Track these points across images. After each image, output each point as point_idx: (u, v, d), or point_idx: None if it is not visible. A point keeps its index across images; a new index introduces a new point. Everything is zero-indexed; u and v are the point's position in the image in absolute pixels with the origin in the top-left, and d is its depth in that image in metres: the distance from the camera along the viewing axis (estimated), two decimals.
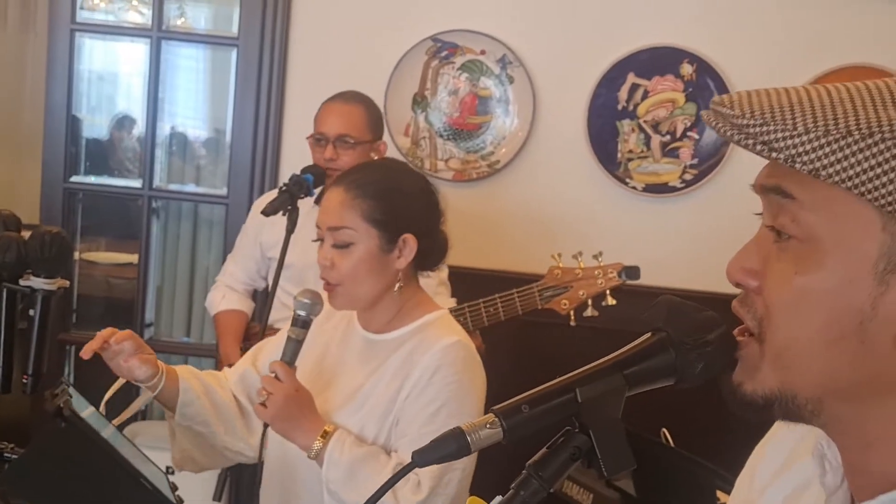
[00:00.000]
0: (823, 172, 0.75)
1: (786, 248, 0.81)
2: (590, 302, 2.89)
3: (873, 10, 3.51)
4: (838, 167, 0.75)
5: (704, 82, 3.56)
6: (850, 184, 0.75)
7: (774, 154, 0.76)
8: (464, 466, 1.84)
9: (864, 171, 0.74)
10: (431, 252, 1.96)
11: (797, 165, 0.76)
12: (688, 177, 3.58)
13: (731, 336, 0.86)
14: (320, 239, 1.92)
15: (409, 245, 1.90)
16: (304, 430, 1.85)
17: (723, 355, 0.86)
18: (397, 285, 1.91)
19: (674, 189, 3.60)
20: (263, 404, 1.84)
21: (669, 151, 3.59)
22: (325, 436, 1.83)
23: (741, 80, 3.55)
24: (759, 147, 0.77)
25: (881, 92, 0.78)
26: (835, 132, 0.75)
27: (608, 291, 2.89)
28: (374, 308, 1.94)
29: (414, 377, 1.85)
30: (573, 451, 0.83)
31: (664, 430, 2.45)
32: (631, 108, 3.59)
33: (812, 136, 0.75)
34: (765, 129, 0.77)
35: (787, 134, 0.76)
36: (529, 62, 3.59)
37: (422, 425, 1.82)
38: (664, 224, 3.62)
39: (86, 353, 1.86)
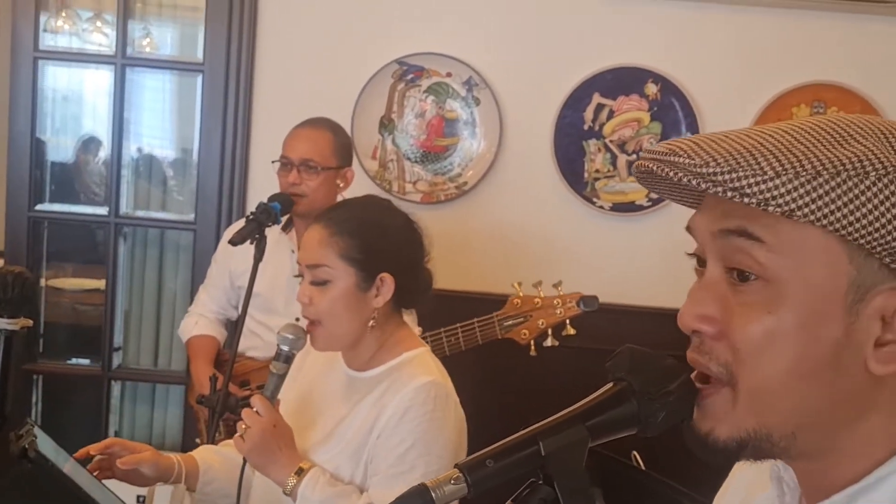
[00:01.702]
0: (799, 213, 0.77)
1: (747, 290, 0.82)
2: (549, 331, 2.91)
3: (830, 28, 3.56)
4: (813, 206, 0.77)
5: (669, 101, 3.59)
6: (823, 221, 0.77)
7: (746, 199, 0.77)
8: None
9: (838, 209, 0.77)
10: (412, 289, 1.95)
11: (770, 208, 0.77)
12: (654, 195, 3.61)
13: (692, 383, 0.86)
14: (300, 275, 1.92)
15: (387, 284, 1.90)
16: (279, 465, 1.85)
17: (685, 404, 0.86)
18: (370, 322, 1.91)
19: (641, 207, 3.62)
20: (242, 437, 1.84)
21: None
22: (300, 473, 1.84)
23: (705, 99, 3.59)
24: (729, 193, 0.78)
25: (820, 131, 0.81)
26: (804, 174, 0.77)
27: (567, 321, 2.91)
28: (355, 347, 1.95)
29: (385, 417, 1.85)
30: (538, 503, 0.83)
31: (634, 452, 2.46)
32: (597, 127, 3.61)
33: (784, 178, 0.77)
34: (734, 175, 0.77)
35: (759, 179, 0.77)
36: (495, 84, 3.60)
37: (391, 465, 1.82)
38: (632, 242, 3.64)
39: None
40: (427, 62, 3.60)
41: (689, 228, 0.88)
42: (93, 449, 1.85)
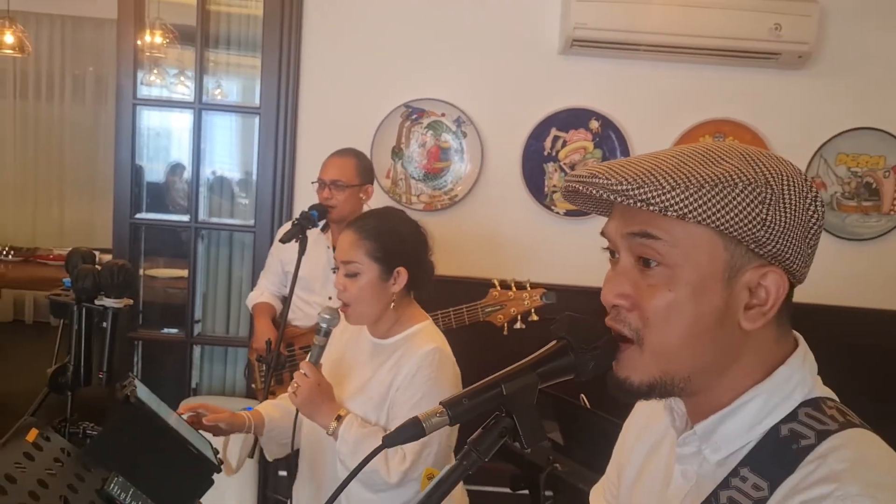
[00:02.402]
0: (690, 216, 0.78)
1: (652, 274, 0.82)
2: (519, 317, 2.92)
3: (729, 77, 3.57)
4: (699, 210, 0.78)
5: (608, 133, 3.59)
6: (707, 221, 0.78)
7: (651, 207, 0.78)
8: (439, 441, 1.84)
9: (717, 211, 0.78)
10: (421, 278, 1.96)
11: (669, 213, 0.78)
12: None
13: (614, 341, 0.87)
14: (337, 268, 1.93)
15: (402, 275, 1.90)
16: (323, 413, 1.86)
17: (609, 356, 0.86)
18: (391, 304, 1.92)
19: (586, 214, 3.58)
20: (295, 393, 1.85)
21: None
22: (339, 419, 1.85)
23: (635, 131, 3.59)
24: (638, 203, 0.78)
25: (699, 155, 0.81)
26: (691, 187, 0.78)
27: (533, 310, 2.93)
28: (378, 321, 1.95)
29: (402, 375, 1.86)
30: (501, 430, 0.83)
31: (582, 395, 2.47)
32: (554, 153, 3.61)
33: (678, 191, 0.78)
34: (641, 190, 0.78)
35: (659, 192, 0.78)
36: (478, 121, 3.60)
37: (408, 411, 1.82)
38: (580, 239, 3.64)
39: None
40: (427, 105, 3.60)
41: (603, 233, 0.89)
42: (183, 409, 1.85)
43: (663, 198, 0.78)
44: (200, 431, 1.81)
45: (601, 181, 0.81)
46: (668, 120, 3.58)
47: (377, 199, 3.15)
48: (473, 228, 3.66)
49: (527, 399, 0.84)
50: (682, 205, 0.78)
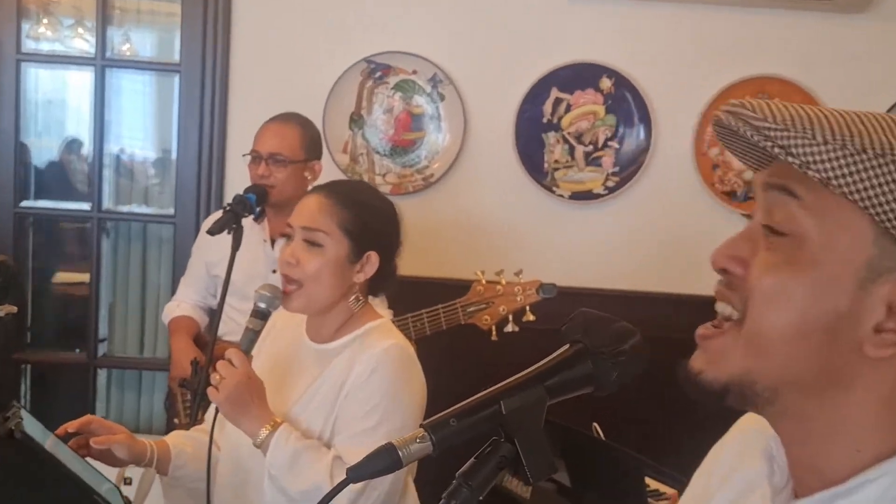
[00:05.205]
0: (835, 182, 0.77)
1: (776, 244, 0.82)
2: (510, 318, 2.90)
3: (773, 24, 3.58)
4: (850, 179, 0.77)
5: (622, 95, 3.60)
6: (857, 196, 0.77)
7: (791, 158, 0.78)
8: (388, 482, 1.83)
9: (872, 187, 0.77)
10: (386, 277, 1.96)
11: (810, 172, 0.78)
12: (610, 184, 3.61)
13: (644, 345, 0.86)
14: (286, 236, 1.92)
15: (372, 262, 1.91)
16: (251, 416, 1.83)
17: (637, 363, 0.86)
18: (354, 297, 1.92)
19: (598, 196, 3.63)
20: (216, 387, 1.80)
21: (592, 160, 3.62)
22: (274, 426, 1.82)
23: (656, 93, 3.60)
24: (776, 150, 0.79)
25: (885, 120, 0.81)
26: (850, 147, 0.77)
27: (528, 307, 2.90)
28: (324, 316, 1.94)
29: (353, 377, 1.86)
30: (500, 459, 0.83)
31: (595, 424, 2.47)
32: (555, 120, 3.61)
33: (829, 147, 0.77)
34: (784, 133, 0.79)
35: (806, 142, 0.78)
36: (459, 80, 3.59)
37: (357, 421, 1.82)
38: (590, 228, 3.64)
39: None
40: (394, 60, 3.59)
41: (749, 184, 0.90)
42: (70, 426, 1.80)
43: (808, 150, 0.78)
44: (88, 459, 1.78)
45: (746, 113, 0.81)
46: (699, 77, 3.59)
47: (329, 180, 3.11)
48: (453, 216, 3.65)
49: (532, 419, 0.84)
50: (829, 165, 0.77)
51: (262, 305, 1.89)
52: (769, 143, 0.79)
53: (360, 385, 1.84)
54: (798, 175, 0.80)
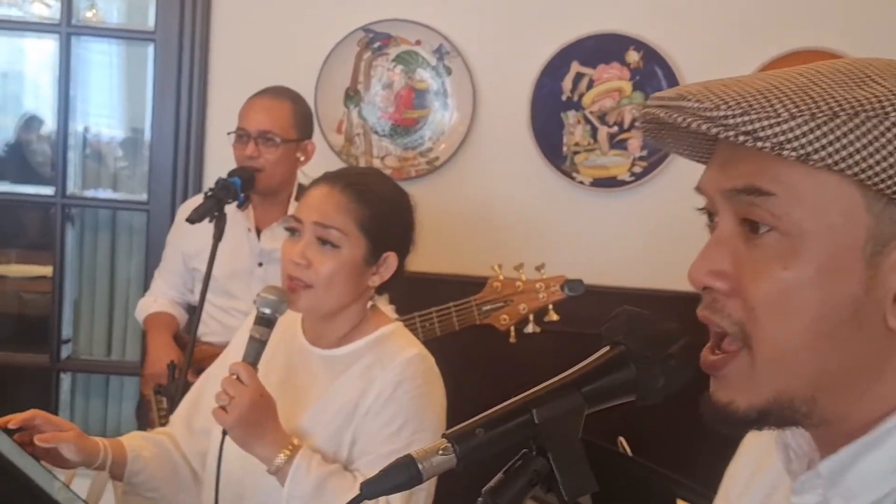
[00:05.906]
0: (815, 156, 0.76)
1: (762, 244, 0.81)
2: (531, 317, 2.89)
3: None
4: (830, 150, 0.76)
5: (652, 70, 3.59)
6: (841, 165, 0.77)
7: (759, 143, 0.77)
8: (428, 486, 1.84)
9: (857, 151, 0.76)
10: (397, 277, 1.95)
11: (785, 152, 0.77)
12: (637, 169, 3.61)
13: (693, 348, 0.86)
14: (293, 231, 1.88)
15: (389, 264, 1.90)
16: (267, 440, 1.79)
17: (686, 369, 0.86)
18: (368, 302, 1.92)
19: (623, 183, 3.62)
20: (224, 408, 1.75)
21: (617, 143, 3.61)
22: (292, 450, 1.79)
23: (689, 68, 3.59)
24: (741, 137, 0.77)
25: (838, 73, 0.80)
26: (820, 115, 0.77)
27: (551, 306, 2.89)
28: (331, 320, 1.92)
29: (373, 393, 1.84)
30: (531, 475, 0.83)
31: (621, 438, 2.47)
32: (576, 98, 3.61)
33: (799, 120, 0.77)
34: (746, 118, 0.77)
35: (773, 121, 0.77)
36: (467, 52, 3.59)
37: (384, 443, 1.81)
38: (614, 220, 3.64)
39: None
40: (395, 29, 3.58)
41: (698, 189, 0.88)
42: (11, 421, 1.75)
43: (777, 129, 0.77)
44: (42, 462, 1.75)
45: (691, 104, 0.79)
46: (737, 51, 3.58)
47: (321, 163, 3.11)
48: (460, 205, 3.65)
49: (568, 430, 0.84)
50: (804, 140, 0.76)
51: (267, 311, 1.84)
52: (731, 133, 0.78)
53: (382, 403, 1.83)
54: (762, 164, 0.80)
